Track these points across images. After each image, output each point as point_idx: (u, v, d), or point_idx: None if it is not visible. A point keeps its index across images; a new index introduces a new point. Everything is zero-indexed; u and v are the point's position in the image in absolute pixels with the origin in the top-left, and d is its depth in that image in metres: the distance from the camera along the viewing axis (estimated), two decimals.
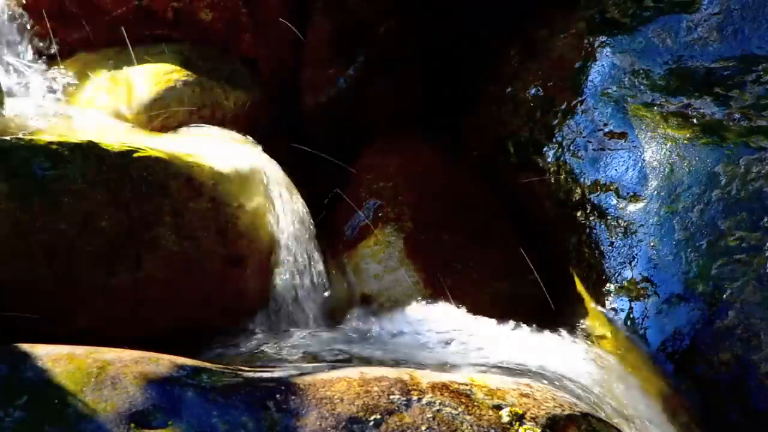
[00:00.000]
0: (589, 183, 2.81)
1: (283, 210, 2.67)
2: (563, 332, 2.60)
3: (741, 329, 2.36)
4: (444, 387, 1.88)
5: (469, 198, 3.20)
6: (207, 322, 2.48)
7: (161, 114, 2.93)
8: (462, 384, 1.91)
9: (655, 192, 2.67)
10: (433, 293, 2.78)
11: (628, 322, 2.54)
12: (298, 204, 2.79)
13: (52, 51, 3.19)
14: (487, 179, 3.26)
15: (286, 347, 2.40)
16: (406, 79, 3.60)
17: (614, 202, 2.72)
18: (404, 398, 1.82)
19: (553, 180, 2.93)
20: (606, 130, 2.87)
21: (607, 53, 3.02)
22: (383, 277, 2.84)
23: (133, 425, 1.67)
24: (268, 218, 2.61)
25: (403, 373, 1.91)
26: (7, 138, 2.21)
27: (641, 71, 2.93)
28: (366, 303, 2.80)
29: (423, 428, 1.75)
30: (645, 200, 2.68)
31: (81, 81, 3.09)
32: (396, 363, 2.29)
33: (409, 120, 3.55)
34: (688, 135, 2.73)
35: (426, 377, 1.91)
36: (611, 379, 2.39)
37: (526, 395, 1.91)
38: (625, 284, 2.59)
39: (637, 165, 2.74)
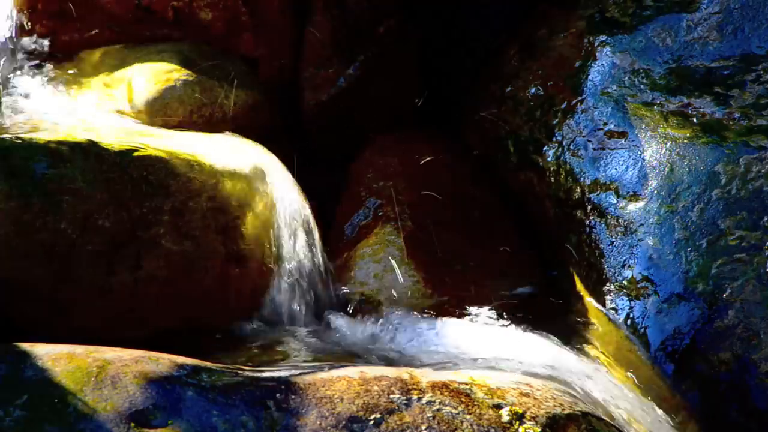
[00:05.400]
0: (589, 182, 2.81)
1: (283, 209, 2.67)
2: (563, 331, 2.60)
3: (741, 328, 2.36)
4: (444, 386, 1.88)
5: (469, 197, 3.20)
6: (207, 322, 2.48)
7: (161, 113, 2.94)
8: (462, 383, 1.91)
9: (655, 191, 2.67)
10: (433, 292, 2.78)
11: (628, 322, 2.54)
12: (298, 203, 2.79)
13: (52, 50, 3.19)
14: (487, 178, 3.26)
15: (287, 346, 2.41)
16: (406, 78, 3.60)
17: (614, 201, 2.72)
18: (404, 397, 1.82)
19: (553, 179, 2.93)
20: (606, 129, 2.87)
21: (607, 52, 3.02)
22: (383, 276, 2.84)
23: (133, 425, 1.67)
24: (268, 217, 2.61)
25: (403, 372, 1.91)
26: (7, 137, 2.21)
27: (641, 70, 2.93)
28: (366, 302, 2.80)
29: (423, 427, 1.75)
30: (645, 199, 2.68)
31: (81, 80, 3.10)
32: (396, 362, 2.30)
33: (409, 119, 3.55)
34: (688, 134, 2.73)
35: (426, 376, 1.91)
36: (611, 378, 2.39)
37: (526, 394, 1.91)
38: (625, 283, 2.59)
39: (637, 164, 2.74)
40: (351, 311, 2.78)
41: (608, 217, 2.72)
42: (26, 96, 2.97)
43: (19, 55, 3.15)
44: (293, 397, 1.79)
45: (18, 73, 3.08)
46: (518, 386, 1.95)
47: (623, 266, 2.62)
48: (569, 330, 2.64)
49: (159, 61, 3.08)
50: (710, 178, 2.62)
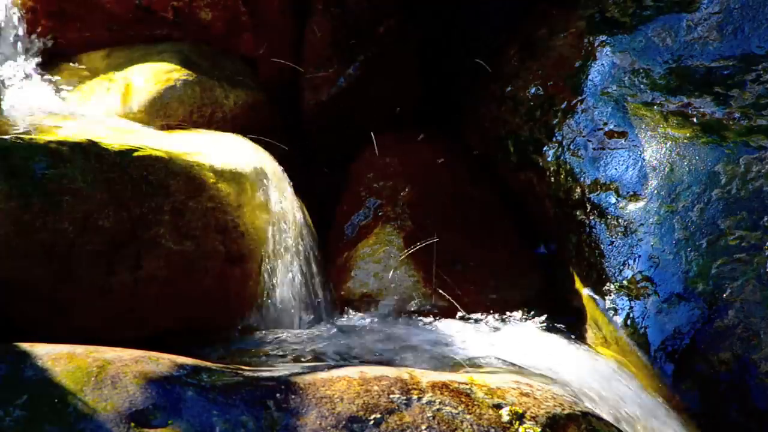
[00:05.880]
0: (589, 182, 2.81)
1: (283, 209, 2.67)
2: (563, 331, 2.60)
3: (741, 328, 2.36)
4: (444, 386, 1.88)
5: (469, 197, 3.20)
6: (207, 321, 2.48)
7: (161, 113, 2.94)
8: (462, 383, 1.91)
9: (655, 191, 2.67)
10: (433, 292, 2.78)
11: (628, 322, 2.54)
12: (298, 203, 2.80)
13: (52, 50, 3.19)
14: (487, 178, 3.26)
15: (286, 346, 2.41)
16: (406, 78, 3.60)
17: (614, 201, 2.72)
18: (404, 397, 1.82)
19: (553, 179, 2.93)
20: (606, 129, 2.87)
21: (607, 52, 3.02)
22: (383, 276, 2.84)
23: (133, 424, 1.67)
24: (268, 217, 2.61)
25: (403, 372, 1.91)
26: (7, 137, 2.21)
27: (641, 70, 2.93)
28: (366, 302, 2.80)
29: (423, 427, 1.75)
30: (645, 199, 2.68)
31: (81, 80, 3.10)
32: (396, 362, 2.30)
33: (409, 119, 3.55)
34: (688, 134, 2.73)
35: (426, 376, 1.91)
36: (611, 378, 2.39)
37: (526, 394, 1.91)
38: (625, 283, 2.59)
39: (637, 164, 2.74)
40: (351, 311, 2.78)
41: (608, 217, 2.72)
42: (27, 96, 2.97)
43: (20, 55, 3.15)
44: (293, 397, 1.79)
45: (18, 72, 3.08)
46: (518, 386, 1.95)
47: (623, 266, 2.62)
48: (569, 329, 2.64)
49: (159, 61, 3.08)
50: (710, 178, 2.62)
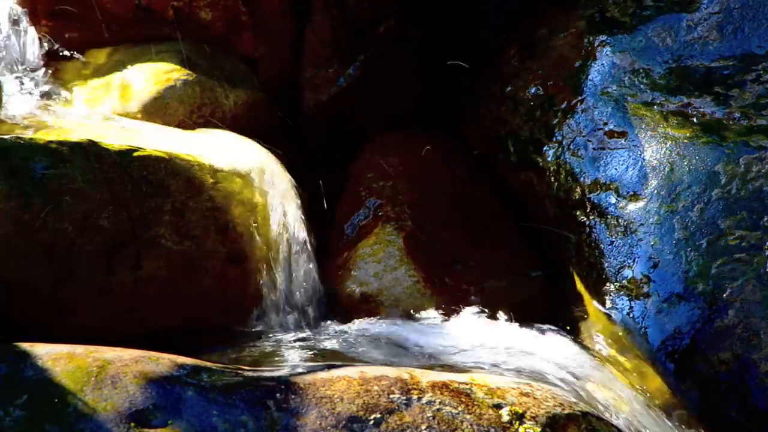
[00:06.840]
0: (589, 182, 2.81)
1: (283, 209, 2.67)
2: (563, 331, 2.60)
3: (741, 328, 2.36)
4: (444, 386, 1.88)
5: (470, 197, 3.20)
6: (207, 321, 2.48)
7: (161, 113, 2.94)
8: (462, 383, 1.91)
9: (655, 191, 2.67)
10: (433, 292, 2.78)
11: (628, 321, 2.54)
12: (298, 203, 2.79)
13: (53, 50, 3.19)
14: (487, 178, 3.26)
15: (286, 346, 2.41)
16: (406, 78, 3.60)
17: (614, 201, 2.72)
18: (404, 397, 1.82)
19: (553, 179, 2.93)
20: (606, 129, 2.87)
21: (607, 52, 3.02)
22: (383, 276, 2.84)
23: (133, 424, 1.67)
24: (268, 217, 2.62)
25: (403, 372, 1.91)
26: (7, 137, 2.21)
27: (641, 70, 2.93)
28: (366, 302, 2.80)
29: (423, 427, 1.75)
30: (645, 199, 2.68)
31: (81, 80, 3.10)
32: (396, 362, 2.30)
33: (409, 119, 3.55)
34: (688, 134, 2.73)
35: (426, 376, 1.92)
36: (611, 378, 2.39)
37: (526, 394, 1.91)
38: (625, 283, 2.59)
39: (637, 164, 2.74)
40: (351, 311, 2.78)
41: (608, 217, 2.72)
42: (28, 96, 2.97)
43: (20, 55, 3.15)
44: (293, 397, 1.79)
45: (18, 72, 3.08)
46: (518, 386, 1.95)
47: (623, 266, 2.62)
48: (569, 329, 2.64)
49: (159, 61, 3.08)
50: (710, 178, 2.62)
